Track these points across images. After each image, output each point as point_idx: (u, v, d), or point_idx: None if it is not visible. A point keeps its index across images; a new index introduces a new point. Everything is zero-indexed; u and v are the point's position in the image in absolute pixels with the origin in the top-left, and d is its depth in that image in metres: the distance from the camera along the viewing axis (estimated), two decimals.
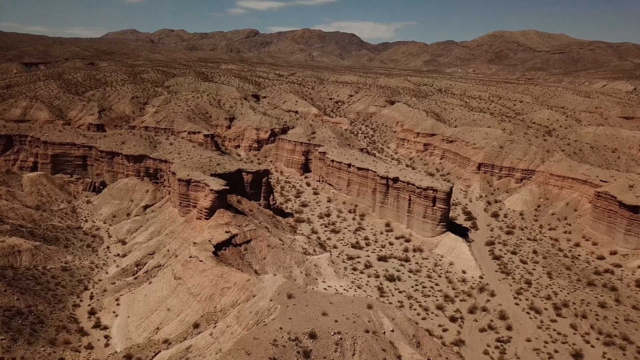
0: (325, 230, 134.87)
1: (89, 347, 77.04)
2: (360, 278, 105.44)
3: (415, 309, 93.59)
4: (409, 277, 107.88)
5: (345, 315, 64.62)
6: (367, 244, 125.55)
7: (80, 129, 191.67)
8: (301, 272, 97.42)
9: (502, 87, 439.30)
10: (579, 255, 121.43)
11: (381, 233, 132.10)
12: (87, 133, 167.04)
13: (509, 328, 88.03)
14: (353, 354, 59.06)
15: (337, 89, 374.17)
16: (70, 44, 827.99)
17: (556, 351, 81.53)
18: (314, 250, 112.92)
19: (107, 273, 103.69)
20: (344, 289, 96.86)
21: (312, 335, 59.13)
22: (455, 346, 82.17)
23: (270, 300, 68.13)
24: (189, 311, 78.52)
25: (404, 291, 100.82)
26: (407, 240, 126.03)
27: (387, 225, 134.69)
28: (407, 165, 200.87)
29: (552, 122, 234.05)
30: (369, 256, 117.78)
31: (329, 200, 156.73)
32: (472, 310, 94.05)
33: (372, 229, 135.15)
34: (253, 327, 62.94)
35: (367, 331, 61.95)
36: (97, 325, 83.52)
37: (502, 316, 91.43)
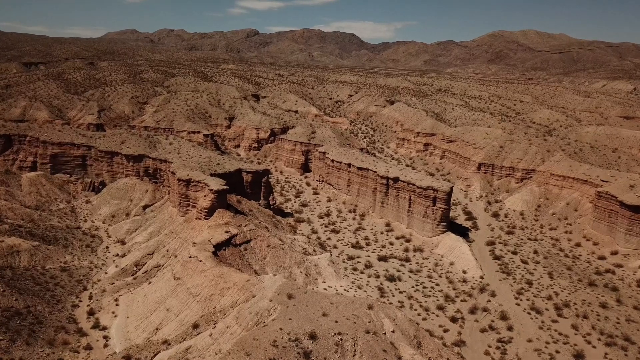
0: (325, 230, 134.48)
1: (88, 347, 76.65)
2: (361, 278, 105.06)
3: (415, 309, 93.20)
4: (410, 277, 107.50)
5: (346, 315, 64.24)
6: (368, 244, 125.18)
7: (79, 128, 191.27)
8: (301, 272, 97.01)
9: (502, 87, 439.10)
10: (580, 255, 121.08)
11: (381, 233, 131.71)
12: (86, 133, 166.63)
13: (510, 328, 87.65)
14: (354, 355, 58.67)
15: (337, 89, 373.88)
16: (70, 43, 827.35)
17: (557, 352, 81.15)
18: (314, 250, 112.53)
19: (106, 273, 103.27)
20: (344, 289, 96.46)
21: (313, 336, 58.73)
22: (456, 347, 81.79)
23: (270, 301, 67.72)
24: (189, 311, 78.13)
25: (404, 291, 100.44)
26: (408, 240, 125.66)
27: (388, 225, 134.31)
28: (407, 165, 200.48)
29: (552, 121, 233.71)
30: (369, 256, 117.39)
31: (329, 200, 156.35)
32: (472, 311, 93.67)
33: (372, 228, 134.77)
34: (253, 328, 62.53)
35: (368, 332, 61.55)
36: (96, 325, 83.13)
37: (503, 316, 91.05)
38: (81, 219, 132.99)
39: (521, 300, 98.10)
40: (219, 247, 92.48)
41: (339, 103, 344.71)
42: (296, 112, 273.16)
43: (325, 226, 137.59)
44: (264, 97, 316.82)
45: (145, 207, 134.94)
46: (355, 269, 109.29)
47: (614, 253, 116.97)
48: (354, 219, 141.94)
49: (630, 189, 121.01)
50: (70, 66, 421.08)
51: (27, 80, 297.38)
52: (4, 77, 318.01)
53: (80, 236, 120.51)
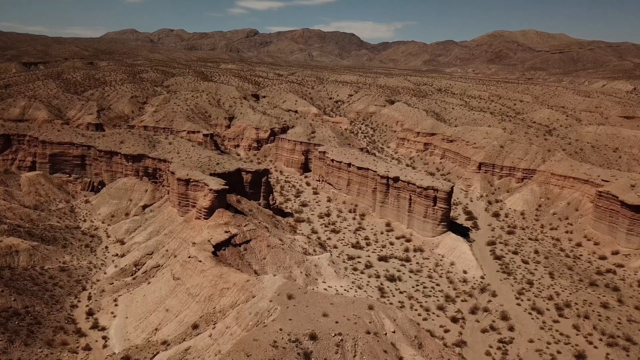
0: (326, 230, 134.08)
1: (87, 348, 76.21)
2: (361, 278, 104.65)
3: (416, 310, 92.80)
4: (410, 277, 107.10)
5: (346, 316, 63.83)
6: (368, 244, 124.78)
7: (79, 128, 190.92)
8: (301, 273, 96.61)
9: (502, 86, 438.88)
10: (581, 255, 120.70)
11: (381, 233, 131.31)
12: (85, 132, 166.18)
13: (511, 329, 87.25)
14: (354, 356, 58.27)
15: (336, 89, 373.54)
16: (70, 43, 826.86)
17: (559, 352, 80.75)
18: (314, 250, 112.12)
19: (105, 273, 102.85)
20: (345, 290, 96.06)
21: (313, 337, 58.33)
22: (457, 347, 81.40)
23: (270, 301, 67.33)
24: (188, 312, 77.73)
25: (404, 291, 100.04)
26: (408, 240, 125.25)
27: (388, 225, 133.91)
28: (407, 165, 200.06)
29: (552, 121, 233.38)
30: (369, 256, 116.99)
31: (329, 200, 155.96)
32: (473, 311, 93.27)
33: (372, 228, 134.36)
34: (253, 329, 62.14)
35: (369, 332, 61.16)
36: (95, 326, 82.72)
37: (504, 317, 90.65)
38: (80, 219, 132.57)
39: (522, 300, 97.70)
40: (218, 247, 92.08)
41: (339, 103, 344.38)
42: (296, 111, 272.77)
43: (325, 226, 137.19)
44: (264, 96, 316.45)
45: (144, 207, 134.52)
46: (355, 269, 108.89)
47: (615, 253, 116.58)
48: (354, 218, 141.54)
49: (631, 189, 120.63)
50: (70, 66, 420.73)
51: (26, 80, 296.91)
52: (4, 77, 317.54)
53: (79, 236, 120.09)
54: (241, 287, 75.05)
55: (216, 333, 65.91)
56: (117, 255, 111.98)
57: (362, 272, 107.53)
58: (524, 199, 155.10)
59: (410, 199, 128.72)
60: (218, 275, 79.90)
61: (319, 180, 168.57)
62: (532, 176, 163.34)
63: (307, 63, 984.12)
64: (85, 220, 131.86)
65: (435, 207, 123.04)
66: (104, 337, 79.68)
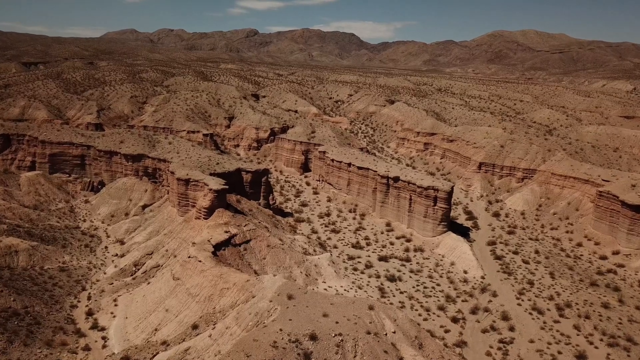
0: (326, 230, 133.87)
1: (86, 348, 76.01)
2: (361, 278, 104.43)
3: (416, 310, 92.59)
4: (410, 277, 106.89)
5: (347, 316, 63.62)
6: (368, 244, 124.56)
7: (78, 128, 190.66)
8: (301, 273, 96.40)
9: (501, 86, 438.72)
10: (581, 255, 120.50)
11: (382, 233, 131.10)
12: (85, 132, 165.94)
13: (511, 329, 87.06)
14: (354, 356, 58.07)
15: (336, 89, 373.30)
16: (70, 43, 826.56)
17: (560, 352, 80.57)
18: (314, 250, 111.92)
19: (105, 273, 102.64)
20: (345, 290, 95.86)
21: (313, 337, 58.12)
22: (458, 347, 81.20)
23: (270, 301, 67.12)
24: (188, 312, 77.51)
25: (405, 292, 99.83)
26: (408, 240, 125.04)
27: (388, 225, 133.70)
28: (407, 165, 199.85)
29: (552, 121, 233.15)
30: (369, 256, 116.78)
31: (329, 200, 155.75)
32: (474, 311, 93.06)
33: (372, 228, 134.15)
34: (252, 329, 61.93)
35: (369, 333, 60.96)
36: (95, 326, 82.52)
37: (505, 317, 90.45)
38: (80, 219, 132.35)
39: (523, 300, 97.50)
40: (218, 247, 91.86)
41: (339, 103, 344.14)
42: (296, 111, 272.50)
43: (325, 226, 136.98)
44: (264, 96, 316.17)
45: (144, 206, 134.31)
46: (355, 269, 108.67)
47: (616, 253, 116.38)
48: (354, 218, 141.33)
49: (632, 189, 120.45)
50: (70, 66, 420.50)
51: (26, 80, 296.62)
52: (3, 77, 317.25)
53: (79, 236, 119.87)
54: (241, 287, 74.83)
55: (216, 333, 65.71)
56: (116, 255, 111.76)
57: (362, 272, 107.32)
58: (525, 198, 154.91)
59: (410, 199, 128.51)
60: (218, 275, 79.68)
61: (319, 180, 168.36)
62: (532, 176, 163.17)
63: (307, 63, 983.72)
64: (84, 220, 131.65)
65: (436, 207, 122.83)
66: (104, 338, 79.48)
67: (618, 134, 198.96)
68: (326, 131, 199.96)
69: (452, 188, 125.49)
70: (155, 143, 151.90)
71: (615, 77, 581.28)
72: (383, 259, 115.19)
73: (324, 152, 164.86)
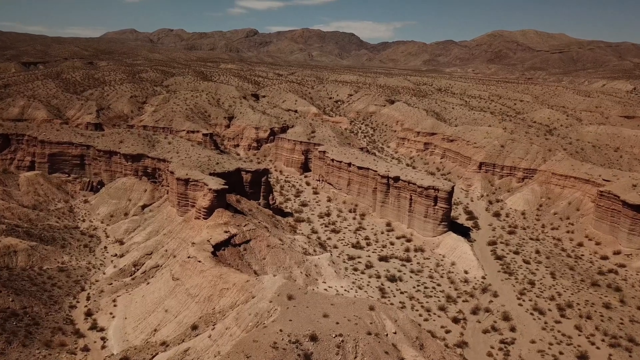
0: (326, 230, 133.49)
1: (85, 349, 75.65)
2: (361, 278, 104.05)
3: (417, 310, 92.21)
4: (411, 277, 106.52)
5: (347, 317, 63.23)
6: (368, 244, 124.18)
7: (78, 128, 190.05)
8: (301, 273, 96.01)
9: (501, 86, 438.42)
10: (582, 255, 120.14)
11: (382, 233, 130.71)
12: (84, 132, 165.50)
13: (512, 329, 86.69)
14: (355, 357, 57.67)
15: (336, 88, 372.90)
16: (69, 43, 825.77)
17: (561, 353, 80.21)
18: (314, 250, 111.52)
19: (104, 274, 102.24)
20: (345, 290, 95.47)
21: (313, 338, 57.72)
22: (459, 348, 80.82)
23: (270, 302, 66.71)
24: (187, 312, 77.10)
25: (405, 292, 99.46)
26: (408, 240, 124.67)
27: (388, 224, 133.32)
28: (407, 165, 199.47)
29: (552, 121, 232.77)
30: (369, 256, 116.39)
31: (329, 200, 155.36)
32: (475, 311, 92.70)
33: (372, 228, 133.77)
34: (252, 329, 61.52)
35: (369, 333, 60.56)
36: (94, 326, 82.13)
37: (506, 317, 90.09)
38: (79, 219, 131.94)
39: (524, 300, 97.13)
40: (218, 247, 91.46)
41: (339, 102, 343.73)
42: (296, 111, 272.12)
43: (326, 226, 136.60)
44: (264, 96, 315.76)
45: (143, 206, 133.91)
46: (355, 269, 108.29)
47: (617, 253, 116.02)
48: (354, 218, 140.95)
49: (633, 189, 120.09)
50: (69, 66, 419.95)
51: (25, 80, 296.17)
52: (3, 77, 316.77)
53: (78, 236, 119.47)
54: (241, 288, 74.43)
55: (215, 334, 65.29)
56: (116, 255, 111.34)
57: (362, 273, 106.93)
58: (525, 198, 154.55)
59: (410, 199, 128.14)
60: (217, 275, 79.28)
61: (319, 180, 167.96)
62: (532, 176, 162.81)
63: (307, 63, 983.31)
64: (84, 220, 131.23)
65: (436, 207, 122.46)
66: (103, 338, 79.11)
67: (618, 134, 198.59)
68: (326, 131, 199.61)
69: (453, 188, 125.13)
70: (155, 143, 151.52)
71: (615, 77, 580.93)
72: (383, 259, 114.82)
73: (324, 152, 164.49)
